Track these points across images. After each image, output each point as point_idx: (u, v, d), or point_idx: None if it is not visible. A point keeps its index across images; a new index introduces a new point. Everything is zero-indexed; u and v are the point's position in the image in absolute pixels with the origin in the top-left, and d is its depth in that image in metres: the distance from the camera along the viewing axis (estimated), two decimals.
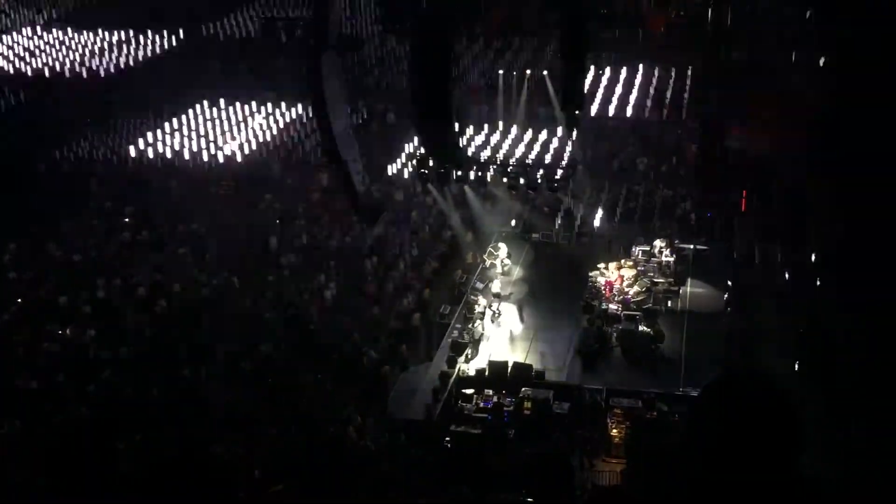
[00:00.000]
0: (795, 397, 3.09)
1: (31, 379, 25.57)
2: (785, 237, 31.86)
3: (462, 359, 26.59)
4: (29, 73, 46.82)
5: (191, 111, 42.09)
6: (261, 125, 41.56)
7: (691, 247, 31.83)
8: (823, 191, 30.47)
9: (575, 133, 34.56)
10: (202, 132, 41.19)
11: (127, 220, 35.57)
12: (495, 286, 29.48)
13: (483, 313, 28.55)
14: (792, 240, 31.29)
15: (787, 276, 29.30)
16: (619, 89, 42.61)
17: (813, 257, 28.83)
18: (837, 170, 29.65)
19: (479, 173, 30.47)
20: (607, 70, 43.68)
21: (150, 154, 39.93)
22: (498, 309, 29.08)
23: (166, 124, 41.50)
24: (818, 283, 27.83)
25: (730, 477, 2.94)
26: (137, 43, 48.81)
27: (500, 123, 39.57)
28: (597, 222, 33.70)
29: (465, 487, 20.35)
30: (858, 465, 18.03)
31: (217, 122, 41.75)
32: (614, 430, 23.41)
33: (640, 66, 43.83)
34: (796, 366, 24.45)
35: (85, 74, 46.55)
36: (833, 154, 30.49)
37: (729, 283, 29.46)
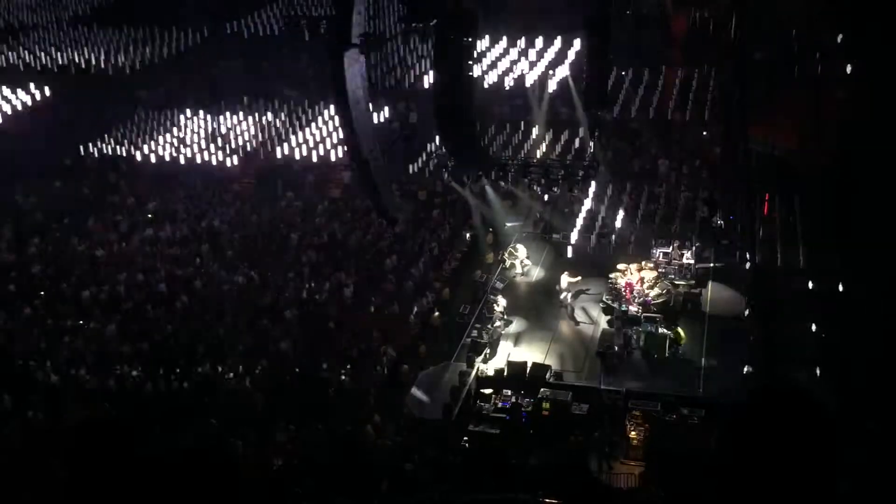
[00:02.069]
0: (826, 407, 3.07)
1: (52, 373, 25.81)
2: (808, 241, 31.64)
3: (481, 358, 26.58)
4: (54, 69, 47.14)
5: (214, 108, 42.27)
6: (283, 123, 41.69)
7: (711, 264, 31.51)
8: (848, 195, 30.25)
9: (597, 134, 34.44)
10: (224, 130, 41.38)
11: (150, 215, 35.81)
12: (563, 281, 29.54)
13: (503, 313, 28.52)
14: (815, 243, 31.07)
15: (809, 280, 29.07)
16: (641, 90, 42.43)
17: (836, 262, 28.64)
18: (862, 174, 29.42)
19: (501, 173, 30.43)
20: (630, 71, 43.52)
21: (173, 151, 40.15)
22: (569, 304, 29.23)
23: (189, 121, 41.71)
24: (841, 287, 27.63)
25: (767, 486, 2.92)
26: (162, 40, 49.05)
27: (523, 123, 39.55)
28: (618, 223, 33.57)
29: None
30: (879, 472, 17.87)
31: (239, 119, 41.93)
32: (633, 433, 23.32)
33: (664, 67, 43.64)
34: (818, 373, 24.26)
35: (110, 71, 46.82)
36: (858, 157, 30.25)
37: (750, 286, 29.25)
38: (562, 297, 29.41)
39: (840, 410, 19.98)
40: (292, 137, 40.40)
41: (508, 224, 33.98)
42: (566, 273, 29.76)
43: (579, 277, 29.87)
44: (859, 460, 17.28)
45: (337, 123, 36.78)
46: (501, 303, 28.78)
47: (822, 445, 2.79)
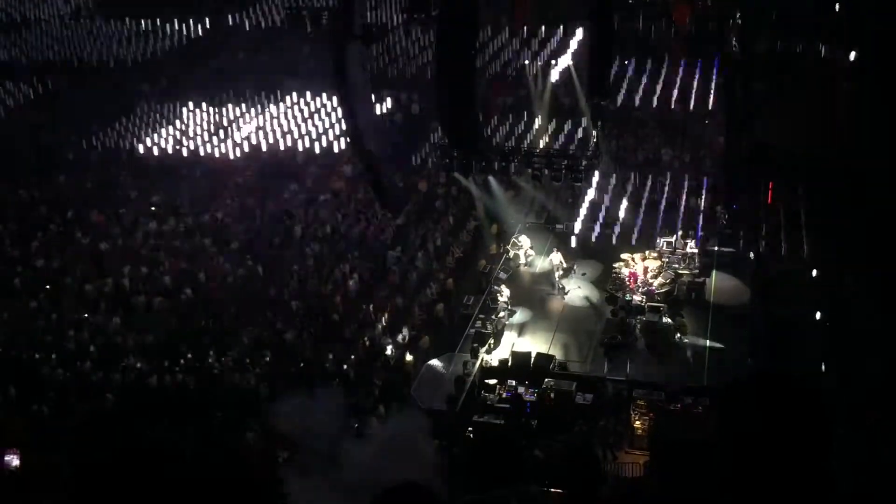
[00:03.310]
0: (822, 394, 3.05)
1: (57, 367, 25.85)
2: (811, 230, 31.60)
3: (485, 349, 26.59)
4: (57, 62, 47.14)
5: (216, 100, 42.27)
6: (285, 115, 41.67)
7: (716, 248, 31.54)
8: (852, 184, 30.19)
9: (600, 124, 34.41)
10: (227, 122, 41.37)
11: (153, 208, 35.81)
12: (555, 258, 30.06)
13: (507, 303, 28.54)
14: (818, 233, 31.02)
15: (813, 269, 29.04)
16: (644, 80, 42.33)
17: (840, 251, 28.59)
18: (866, 163, 29.37)
19: (504, 163, 30.42)
20: (633, 60, 43.41)
21: (176, 143, 40.16)
22: (561, 285, 29.77)
23: (191, 114, 41.70)
24: (845, 277, 27.59)
25: (760, 474, 2.90)
26: (164, 32, 49.02)
27: (525, 113, 39.49)
28: (621, 213, 33.54)
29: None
30: (884, 465, 17.85)
31: (242, 111, 41.93)
32: (637, 422, 23.35)
33: (667, 56, 43.52)
34: (822, 363, 24.23)
35: (112, 64, 46.82)
36: (862, 147, 30.19)
37: (754, 275, 29.25)
38: (555, 276, 29.81)
39: (843, 400, 19.99)
40: (295, 129, 40.41)
41: (512, 215, 33.95)
42: (556, 251, 30.01)
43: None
44: (861, 450, 17.27)
45: (339, 115, 36.80)
46: (505, 293, 28.79)
47: (814, 432, 2.77)
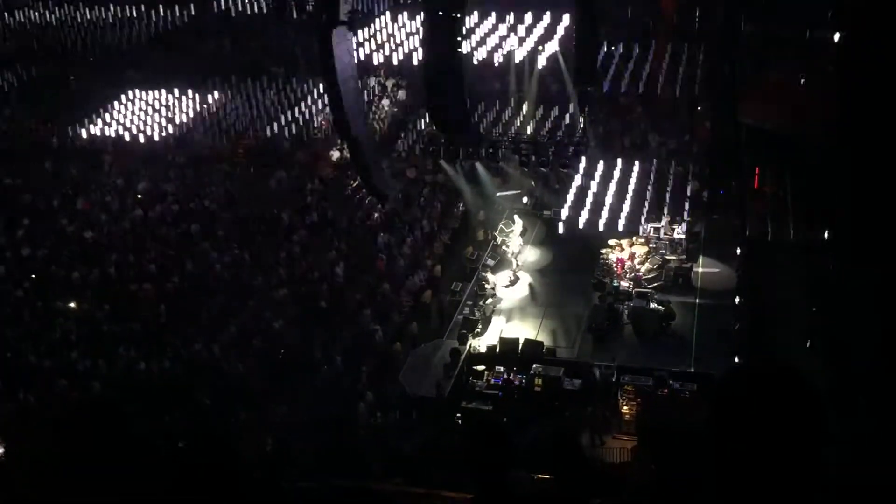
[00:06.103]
0: (812, 380, 3.05)
1: (44, 355, 25.77)
2: (798, 215, 31.67)
3: (473, 335, 26.61)
4: (41, 50, 46.79)
5: (201, 87, 42.03)
6: (272, 101, 41.49)
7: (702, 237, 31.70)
8: (839, 169, 30.25)
9: (587, 110, 34.38)
10: (213, 108, 41.17)
11: (139, 196, 35.64)
12: (517, 242, 30.54)
13: (494, 290, 28.57)
14: (805, 218, 31.10)
15: (800, 253, 29.13)
16: (631, 65, 42.25)
17: (826, 235, 28.68)
18: (853, 147, 29.42)
19: (491, 150, 30.37)
20: (619, 46, 43.30)
21: (162, 130, 39.96)
22: (515, 274, 29.93)
23: (177, 101, 41.48)
24: (831, 261, 27.69)
25: (753, 466, 2.91)
26: (149, 18, 48.69)
27: (512, 100, 39.41)
28: (608, 199, 33.52)
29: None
30: (870, 448, 17.96)
31: (227, 98, 41.72)
32: (625, 408, 23.46)
33: (653, 42, 43.44)
34: (808, 345, 24.35)
35: (97, 51, 46.48)
36: (849, 131, 30.24)
37: (740, 260, 29.32)
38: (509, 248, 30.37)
39: (831, 384, 20.09)
40: (281, 116, 40.24)
41: (502, 194, 33.92)
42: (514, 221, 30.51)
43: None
44: (849, 435, 17.36)
45: (326, 102, 36.63)
46: (493, 279, 28.82)
47: (807, 424, 2.78)
